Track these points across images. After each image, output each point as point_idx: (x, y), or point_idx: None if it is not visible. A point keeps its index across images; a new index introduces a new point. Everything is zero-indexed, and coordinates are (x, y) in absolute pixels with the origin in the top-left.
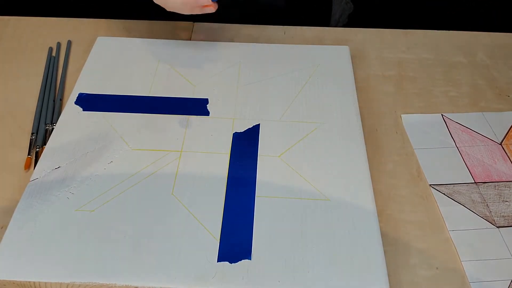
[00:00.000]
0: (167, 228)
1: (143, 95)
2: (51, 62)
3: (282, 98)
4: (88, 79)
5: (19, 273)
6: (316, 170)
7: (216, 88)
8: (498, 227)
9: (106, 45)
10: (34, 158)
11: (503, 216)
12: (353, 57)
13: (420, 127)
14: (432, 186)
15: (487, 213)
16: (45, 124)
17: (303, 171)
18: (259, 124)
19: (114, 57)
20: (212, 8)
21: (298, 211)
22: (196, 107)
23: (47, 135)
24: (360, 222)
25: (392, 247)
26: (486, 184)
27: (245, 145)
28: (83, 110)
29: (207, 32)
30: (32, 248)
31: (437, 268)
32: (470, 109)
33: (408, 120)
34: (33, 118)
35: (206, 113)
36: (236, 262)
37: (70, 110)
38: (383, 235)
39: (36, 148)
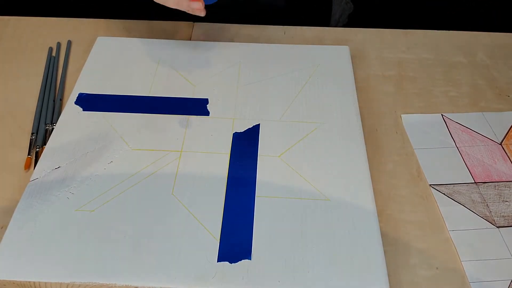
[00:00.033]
0: (167, 228)
1: (143, 95)
2: (51, 62)
3: (282, 98)
4: (88, 79)
5: (19, 273)
6: (316, 170)
7: (216, 88)
8: (498, 227)
9: (106, 45)
10: (34, 158)
11: (503, 216)
12: (353, 57)
13: (420, 127)
14: (432, 186)
15: (487, 213)
16: (45, 124)
17: (303, 171)
18: (259, 124)
19: (114, 57)
20: (200, 10)
21: (298, 211)
22: (196, 107)
23: (47, 135)
24: (360, 222)
25: (392, 247)
26: (486, 184)
27: (245, 145)
28: (83, 110)
29: (207, 32)
30: (32, 248)
31: (437, 268)
32: (470, 109)
33: (408, 120)
34: (33, 118)
35: (206, 113)
36: (236, 262)
37: (70, 110)
38: (383, 235)
39: (36, 148)
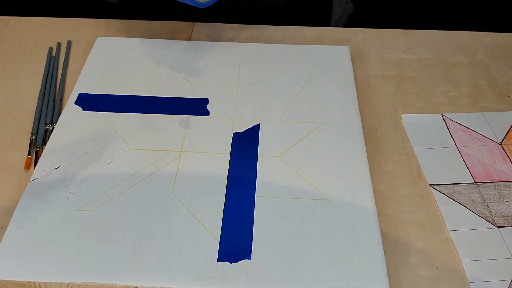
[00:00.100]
0: (167, 228)
1: (143, 95)
2: (51, 62)
3: (282, 98)
4: (88, 79)
5: (19, 273)
6: (316, 170)
7: (216, 88)
8: (498, 227)
9: (106, 45)
10: (34, 158)
11: (503, 216)
12: (353, 57)
13: (420, 127)
14: (432, 186)
15: (487, 213)
16: (45, 124)
17: (303, 171)
18: (259, 124)
19: (114, 57)
20: None
21: (298, 211)
22: (196, 107)
23: (47, 135)
24: (360, 222)
25: (392, 247)
26: (486, 184)
27: (245, 145)
28: (83, 110)
29: (207, 32)
30: (32, 248)
31: (437, 268)
32: (470, 109)
33: (408, 120)
34: (33, 118)
35: (206, 113)
36: (236, 262)
37: (70, 110)
38: (383, 235)
39: (36, 148)
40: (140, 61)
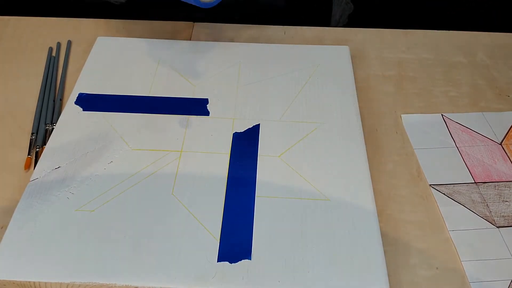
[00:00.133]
0: (167, 228)
1: (143, 95)
2: (51, 62)
3: (282, 98)
4: (88, 79)
5: (19, 273)
6: (316, 170)
7: (216, 88)
8: (498, 227)
9: (106, 45)
10: (34, 158)
11: (503, 216)
12: (353, 57)
13: (420, 127)
14: (432, 186)
15: (487, 213)
16: (45, 124)
17: (303, 171)
18: (259, 124)
19: (114, 57)
20: None
21: (298, 211)
22: (196, 107)
23: (47, 135)
24: (360, 222)
25: (392, 247)
26: (486, 184)
27: (245, 145)
28: (83, 110)
29: (207, 32)
30: (32, 248)
31: (437, 268)
32: (470, 109)
33: (408, 120)
34: (33, 118)
35: (206, 113)
36: (236, 262)
37: (70, 110)
38: (383, 235)
39: (36, 148)
40: (140, 61)
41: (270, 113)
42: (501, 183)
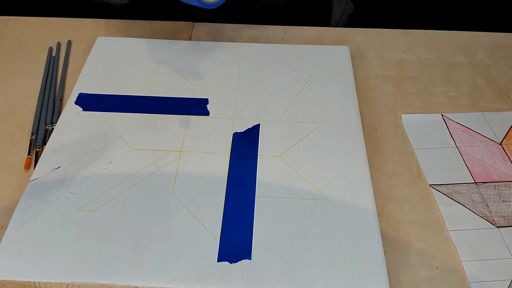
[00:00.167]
0: (167, 228)
1: (143, 95)
2: (51, 62)
3: (282, 98)
4: (88, 79)
5: (19, 273)
6: (316, 170)
7: (216, 88)
8: (498, 227)
9: (106, 45)
10: (34, 158)
11: (503, 216)
12: (353, 57)
13: (420, 127)
14: (432, 186)
15: (487, 213)
16: (45, 124)
17: (303, 171)
18: (259, 124)
19: (114, 57)
20: None
21: (298, 211)
22: (196, 107)
23: (47, 135)
24: (360, 222)
25: (392, 247)
26: (486, 184)
27: (245, 145)
28: (83, 110)
29: (207, 32)
30: (32, 248)
31: (437, 268)
32: (470, 109)
33: (408, 120)
34: (33, 118)
35: (206, 113)
36: (236, 262)
37: (70, 110)
38: (383, 235)
39: (36, 148)
40: (140, 61)
41: (270, 113)
42: (501, 183)
